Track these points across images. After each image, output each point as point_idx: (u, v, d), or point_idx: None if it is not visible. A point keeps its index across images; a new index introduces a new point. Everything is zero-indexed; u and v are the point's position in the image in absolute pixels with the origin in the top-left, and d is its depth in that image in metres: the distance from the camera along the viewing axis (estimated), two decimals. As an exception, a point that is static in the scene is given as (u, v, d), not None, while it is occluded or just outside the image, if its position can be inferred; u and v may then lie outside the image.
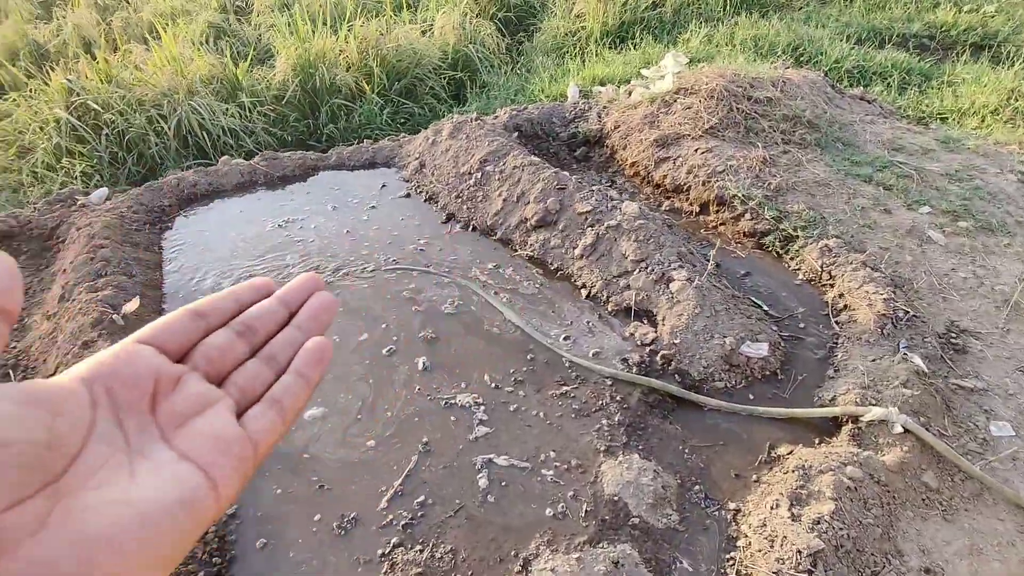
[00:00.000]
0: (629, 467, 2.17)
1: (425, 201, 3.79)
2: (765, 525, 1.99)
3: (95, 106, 4.65)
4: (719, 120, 4.04)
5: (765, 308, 2.93)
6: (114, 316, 2.70)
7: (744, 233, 3.44)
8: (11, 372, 2.79)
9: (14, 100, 5.08)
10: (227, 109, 5.08)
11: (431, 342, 2.75)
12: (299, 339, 0.50)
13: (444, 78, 6.01)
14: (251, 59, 5.72)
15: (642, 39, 6.38)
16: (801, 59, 5.91)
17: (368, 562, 1.96)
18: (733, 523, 2.07)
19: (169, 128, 4.73)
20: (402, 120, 5.63)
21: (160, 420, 0.43)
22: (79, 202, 3.84)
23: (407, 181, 3.99)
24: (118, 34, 6.79)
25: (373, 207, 3.76)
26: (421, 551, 1.96)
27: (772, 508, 2.02)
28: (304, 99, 5.59)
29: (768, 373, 2.60)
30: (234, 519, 2.09)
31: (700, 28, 6.30)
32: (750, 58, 5.53)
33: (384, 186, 3.98)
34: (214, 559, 1.96)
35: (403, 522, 2.05)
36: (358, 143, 4.65)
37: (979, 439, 2.27)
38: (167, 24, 6.21)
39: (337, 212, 3.70)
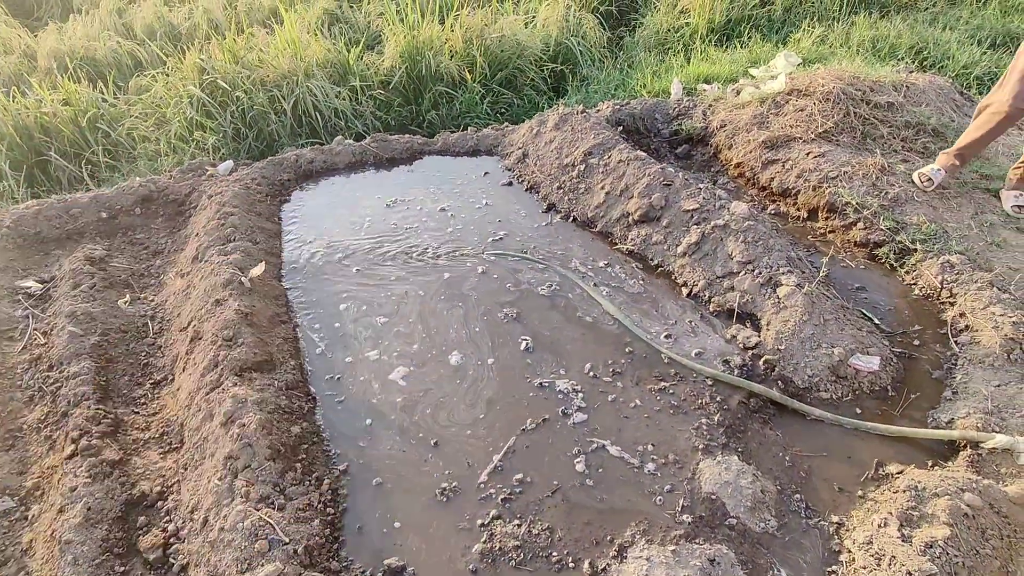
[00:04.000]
0: (728, 468, 2.16)
1: (527, 191, 3.86)
2: (871, 543, 1.93)
3: (224, 84, 5.00)
4: (834, 124, 3.88)
5: (876, 322, 2.81)
6: (242, 279, 2.93)
7: (855, 242, 3.30)
8: (149, 322, 3.08)
9: (153, 76, 5.54)
10: (339, 92, 5.34)
11: (523, 321, 2.82)
12: None
13: (545, 70, 6.05)
14: (362, 45, 5.96)
15: (750, 37, 6.18)
16: (924, 63, 5.56)
17: (468, 531, 2.05)
18: (835, 536, 2.02)
19: (287, 108, 5.02)
20: (502, 110, 5.72)
21: None
22: (208, 172, 4.16)
23: (509, 170, 4.07)
24: (243, 18, 7.25)
25: (476, 193, 3.86)
26: (519, 526, 2.04)
27: (880, 526, 1.96)
28: (409, 85, 5.78)
29: (877, 388, 2.50)
30: (345, 474, 2.25)
31: (813, 27, 6.03)
32: (868, 61, 5.25)
33: (487, 174, 4.08)
34: (328, 508, 2.11)
35: (502, 496, 2.14)
36: (460, 131, 4.78)
37: (1118, 480, 2.11)
38: (288, 7, 6.58)
39: (441, 196, 3.83)
